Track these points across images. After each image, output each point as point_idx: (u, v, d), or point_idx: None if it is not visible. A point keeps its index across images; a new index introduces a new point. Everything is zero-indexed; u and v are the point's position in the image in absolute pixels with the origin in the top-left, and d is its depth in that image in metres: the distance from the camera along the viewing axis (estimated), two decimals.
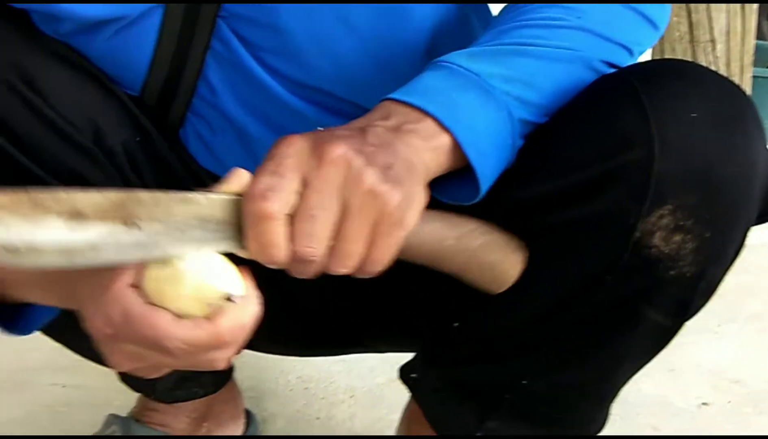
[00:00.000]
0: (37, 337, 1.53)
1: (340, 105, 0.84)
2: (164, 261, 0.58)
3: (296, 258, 0.60)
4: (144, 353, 0.61)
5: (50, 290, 0.70)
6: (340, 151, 0.59)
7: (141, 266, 0.59)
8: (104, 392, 1.37)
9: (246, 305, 0.59)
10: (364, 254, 0.62)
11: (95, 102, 0.85)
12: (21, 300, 0.75)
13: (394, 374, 1.42)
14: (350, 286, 0.90)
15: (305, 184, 0.59)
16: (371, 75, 0.82)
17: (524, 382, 0.85)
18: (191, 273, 0.58)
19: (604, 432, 0.91)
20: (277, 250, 0.59)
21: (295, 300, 0.94)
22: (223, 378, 1.13)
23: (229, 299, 0.58)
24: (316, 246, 0.60)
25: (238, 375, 1.19)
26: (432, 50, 0.82)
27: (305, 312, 1.00)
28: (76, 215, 0.53)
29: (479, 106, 0.68)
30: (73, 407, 1.33)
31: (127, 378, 1.12)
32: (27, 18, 0.81)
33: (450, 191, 0.70)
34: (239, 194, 0.60)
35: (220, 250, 0.60)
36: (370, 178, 0.59)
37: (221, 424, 1.16)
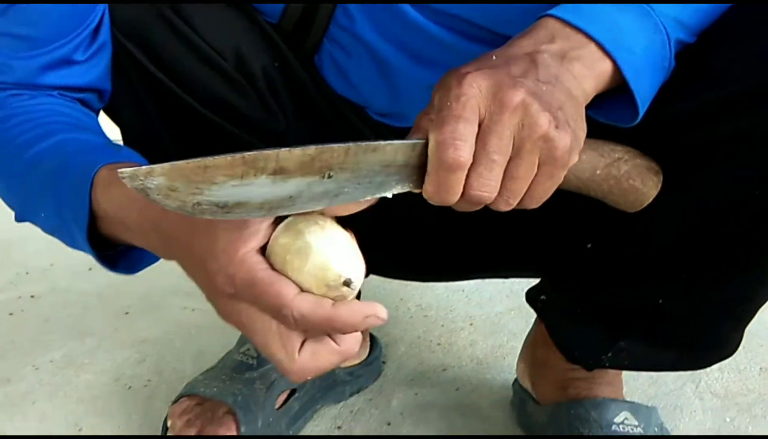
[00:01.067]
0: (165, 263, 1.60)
1: (478, 32, 0.84)
2: (295, 231, 0.60)
3: (468, 199, 0.62)
4: (256, 316, 0.62)
5: (157, 240, 0.71)
6: (520, 97, 0.60)
7: (269, 231, 0.61)
8: None
9: (376, 311, 0.60)
10: (526, 191, 0.63)
11: (237, 29, 0.87)
12: (127, 243, 0.77)
13: (513, 303, 1.45)
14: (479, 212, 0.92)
15: (485, 128, 0.60)
16: (509, 3, 0.82)
17: (661, 302, 0.85)
18: (317, 250, 0.59)
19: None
20: (453, 194, 0.61)
21: (422, 226, 0.96)
22: None
23: (347, 283, 0.59)
24: (490, 190, 0.61)
25: None
26: None
27: (432, 238, 1.01)
28: (280, 171, 0.56)
29: (639, 28, 0.68)
30: (203, 329, 1.39)
31: None
32: None
33: (603, 110, 0.70)
34: (420, 138, 0.61)
35: (395, 191, 0.62)
36: (545, 124, 0.60)
37: None
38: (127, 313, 1.46)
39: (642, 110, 0.67)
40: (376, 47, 0.87)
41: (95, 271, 1.62)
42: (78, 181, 0.73)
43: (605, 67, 0.66)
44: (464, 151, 0.59)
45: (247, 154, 0.54)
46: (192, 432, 1.04)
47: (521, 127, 0.60)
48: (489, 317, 1.42)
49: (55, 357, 1.33)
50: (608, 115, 0.70)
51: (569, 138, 0.61)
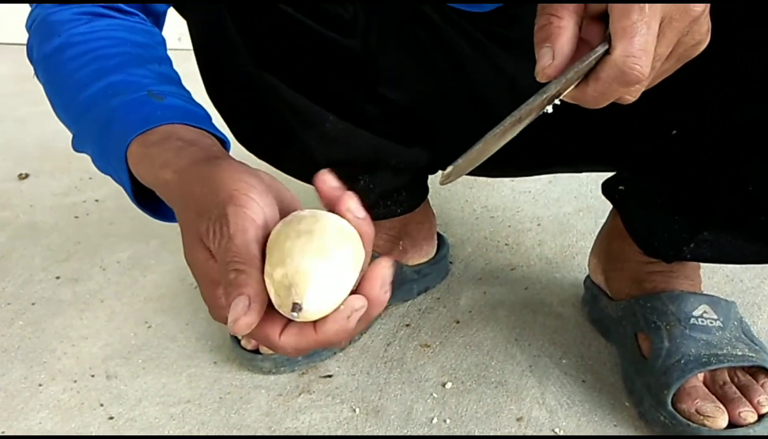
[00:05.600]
0: None
1: None
2: (284, 235, 0.55)
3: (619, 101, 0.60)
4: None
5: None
6: (701, 7, 0.58)
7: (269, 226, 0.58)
8: None
9: (353, 307, 0.55)
10: None
11: None
12: None
13: (581, 203, 1.42)
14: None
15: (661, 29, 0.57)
16: None
17: (750, 188, 0.82)
18: (289, 262, 0.54)
19: None
20: (610, 100, 0.59)
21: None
22: (419, 198, 1.14)
23: (294, 309, 0.53)
24: (638, 94, 0.60)
25: None
26: None
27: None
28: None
29: None
30: None
31: None
32: None
33: None
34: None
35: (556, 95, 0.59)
36: (705, 32, 0.59)
37: (416, 243, 1.17)
38: None
39: None
40: None
41: None
42: (117, 146, 0.73)
43: None
44: (648, 66, 0.56)
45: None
46: None
47: (686, 33, 0.58)
48: (557, 218, 1.39)
49: (122, 258, 1.33)
50: None
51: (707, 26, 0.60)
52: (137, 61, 0.80)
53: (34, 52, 0.84)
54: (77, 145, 0.83)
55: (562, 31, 0.57)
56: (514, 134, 0.60)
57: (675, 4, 0.56)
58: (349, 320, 0.55)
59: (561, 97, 0.60)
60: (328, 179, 0.57)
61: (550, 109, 0.60)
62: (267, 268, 0.55)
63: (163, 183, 0.67)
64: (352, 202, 0.57)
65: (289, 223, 0.56)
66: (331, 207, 0.57)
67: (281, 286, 0.54)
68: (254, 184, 0.59)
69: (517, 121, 0.58)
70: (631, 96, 0.59)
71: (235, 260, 0.55)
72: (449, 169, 0.58)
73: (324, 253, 0.54)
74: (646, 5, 0.55)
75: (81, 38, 0.81)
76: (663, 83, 0.70)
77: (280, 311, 0.55)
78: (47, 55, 0.82)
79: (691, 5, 0.57)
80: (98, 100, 0.77)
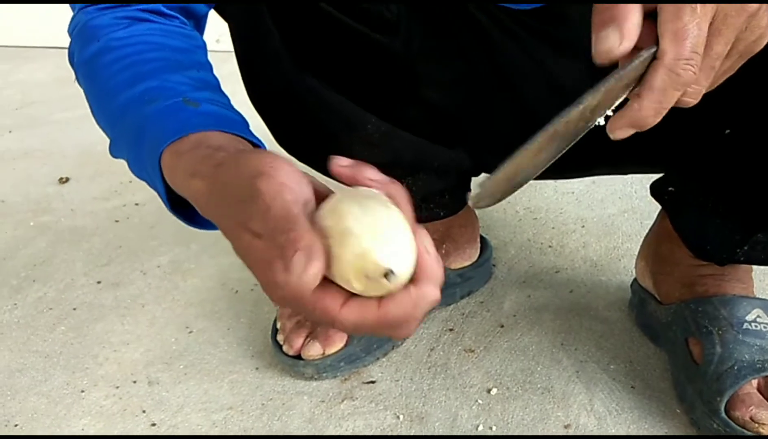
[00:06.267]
0: None
1: None
2: (339, 214, 0.54)
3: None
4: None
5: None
6: (754, 8, 0.55)
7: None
8: None
9: (421, 290, 0.53)
10: None
11: None
12: None
13: (626, 205, 1.40)
14: None
15: (714, 31, 0.55)
16: None
17: None
18: (356, 236, 0.53)
19: None
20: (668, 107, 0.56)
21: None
22: (462, 201, 1.12)
23: (387, 276, 0.52)
24: (698, 96, 0.57)
25: None
26: None
27: None
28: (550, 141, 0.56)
29: None
30: None
31: None
32: None
33: None
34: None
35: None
36: (765, 19, 0.56)
37: (459, 246, 1.15)
38: None
39: None
40: None
41: None
42: (151, 154, 0.71)
43: None
44: (699, 64, 0.54)
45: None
46: (302, 333, 1.03)
47: (744, 29, 0.56)
48: (601, 219, 1.37)
49: (162, 262, 1.33)
50: None
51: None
52: (174, 67, 0.80)
53: (74, 57, 0.84)
54: (114, 151, 0.83)
55: (632, 12, 0.54)
56: (558, 153, 0.58)
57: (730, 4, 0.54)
58: (416, 307, 0.53)
59: (611, 109, 0.57)
60: (338, 161, 0.56)
61: (602, 121, 0.57)
62: (336, 248, 0.53)
63: (194, 192, 0.65)
64: (369, 171, 0.56)
65: (336, 200, 0.55)
66: (353, 183, 0.56)
67: (360, 259, 0.52)
68: (281, 160, 0.57)
69: (551, 136, 0.55)
70: (692, 98, 0.57)
71: (280, 224, 0.53)
72: (476, 191, 0.55)
73: (388, 218, 0.54)
74: (698, 5, 0.53)
75: (118, 43, 0.80)
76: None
77: (359, 286, 0.53)
78: (86, 60, 0.81)
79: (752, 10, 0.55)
80: (133, 107, 0.76)
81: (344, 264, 0.53)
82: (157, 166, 0.71)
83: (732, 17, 0.55)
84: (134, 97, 0.76)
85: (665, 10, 0.54)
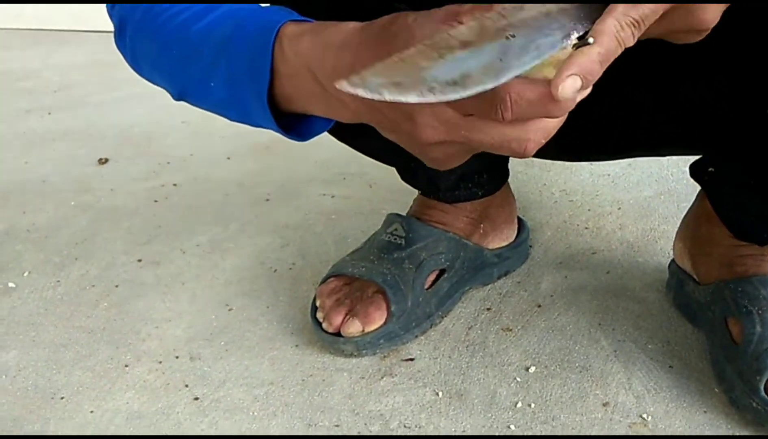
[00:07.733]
0: (304, 153, 1.60)
1: None
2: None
3: None
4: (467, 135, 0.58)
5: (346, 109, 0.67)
6: None
7: None
8: (371, 203, 1.42)
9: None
10: None
11: None
12: (303, 109, 0.73)
13: (662, 187, 1.40)
14: (645, 81, 0.86)
15: None
16: None
17: None
18: None
19: None
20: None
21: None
22: (500, 181, 1.13)
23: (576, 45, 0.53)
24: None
25: None
26: None
27: (589, 111, 0.96)
28: (469, 44, 0.54)
29: None
30: (343, 214, 1.39)
31: (411, 179, 1.14)
32: None
33: None
34: None
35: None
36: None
37: (497, 227, 1.16)
38: (267, 200, 1.47)
39: None
40: None
41: (234, 160, 1.64)
42: (258, 39, 0.69)
43: None
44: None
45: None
46: (342, 311, 1.04)
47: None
48: (637, 201, 1.37)
49: (201, 241, 1.35)
50: None
51: None
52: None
53: (127, 20, 0.82)
54: (182, 89, 0.80)
55: None
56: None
57: None
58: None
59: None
60: None
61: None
62: None
63: (345, 34, 0.64)
64: None
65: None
66: None
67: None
68: None
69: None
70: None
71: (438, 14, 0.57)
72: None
73: None
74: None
75: None
76: (755, 60, 0.68)
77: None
78: (140, 17, 0.80)
79: None
80: (218, 22, 0.74)
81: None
82: (269, 49, 0.69)
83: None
84: (217, 17, 0.74)
85: None
